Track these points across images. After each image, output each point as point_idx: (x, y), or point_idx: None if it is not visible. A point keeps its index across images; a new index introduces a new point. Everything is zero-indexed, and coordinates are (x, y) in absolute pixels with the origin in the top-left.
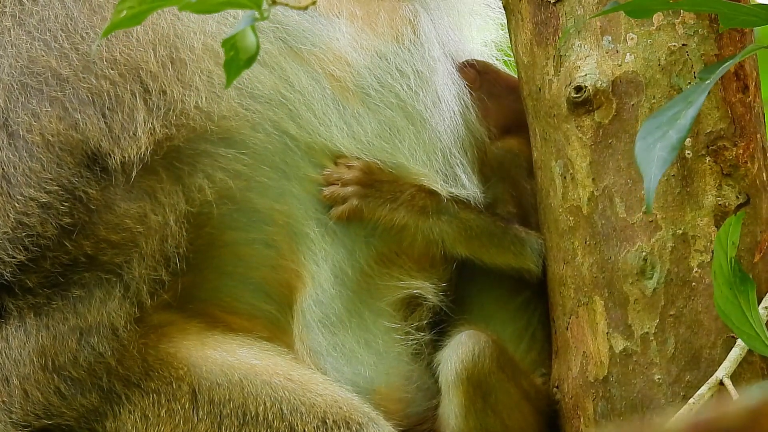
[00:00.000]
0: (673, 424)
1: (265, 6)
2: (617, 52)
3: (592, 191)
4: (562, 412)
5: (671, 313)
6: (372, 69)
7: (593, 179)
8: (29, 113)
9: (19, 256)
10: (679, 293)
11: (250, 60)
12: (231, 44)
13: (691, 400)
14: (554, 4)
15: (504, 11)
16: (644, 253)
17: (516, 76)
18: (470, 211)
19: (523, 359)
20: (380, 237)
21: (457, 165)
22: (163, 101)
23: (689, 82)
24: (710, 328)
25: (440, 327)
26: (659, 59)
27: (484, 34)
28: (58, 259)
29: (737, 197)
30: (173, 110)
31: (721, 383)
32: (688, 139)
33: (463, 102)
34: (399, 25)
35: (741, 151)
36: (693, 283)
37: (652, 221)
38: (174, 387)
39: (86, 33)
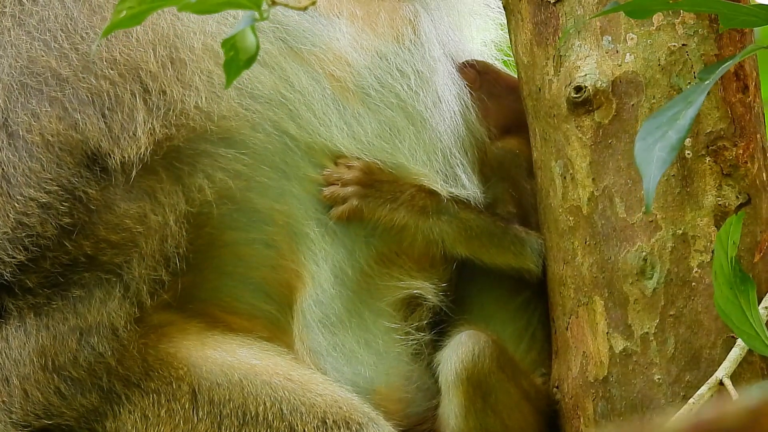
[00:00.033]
0: (673, 424)
1: (264, 6)
2: (617, 52)
3: (592, 191)
4: (562, 412)
5: (671, 313)
6: (372, 69)
7: (593, 179)
8: (29, 113)
9: (19, 256)
10: (679, 293)
11: (250, 60)
12: (231, 44)
13: (691, 400)
14: (554, 4)
15: (504, 11)
16: (644, 253)
17: (516, 76)
18: (470, 211)
19: (523, 359)
20: (380, 237)
21: (457, 165)
22: (163, 101)
23: (689, 82)
24: (710, 328)
25: (440, 327)
26: (659, 59)
27: (484, 34)
28: (58, 259)
29: (737, 197)
30: (173, 110)
31: (721, 383)
32: (688, 139)
33: (463, 102)
34: (399, 26)
35: (741, 151)
36: (693, 283)
37: (652, 221)
38: (174, 387)
39: (86, 33)
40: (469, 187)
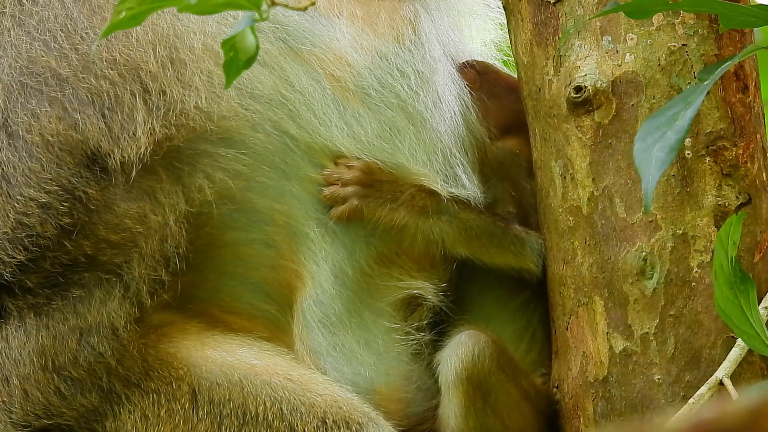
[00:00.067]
0: (673, 424)
1: (264, 7)
2: (617, 52)
3: (592, 191)
4: (562, 412)
5: (671, 313)
6: (372, 69)
7: (593, 179)
8: (29, 113)
9: (18, 257)
10: (679, 293)
11: (250, 61)
12: (230, 45)
13: (691, 400)
14: (554, 4)
15: (504, 11)
16: (644, 253)
17: (516, 76)
18: (470, 211)
19: (523, 359)
20: (380, 237)
21: (458, 165)
22: (163, 101)
23: (689, 83)
24: (710, 328)
25: (440, 327)
26: (659, 59)
27: (484, 34)
28: (57, 260)
29: (737, 197)
30: (173, 110)
31: (721, 383)
32: (687, 139)
33: (463, 102)
34: (399, 26)
35: (741, 151)
36: (693, 283)
37: (652, 221)
38: (174, 387)
39: (86, 33)
40: (469, 187)
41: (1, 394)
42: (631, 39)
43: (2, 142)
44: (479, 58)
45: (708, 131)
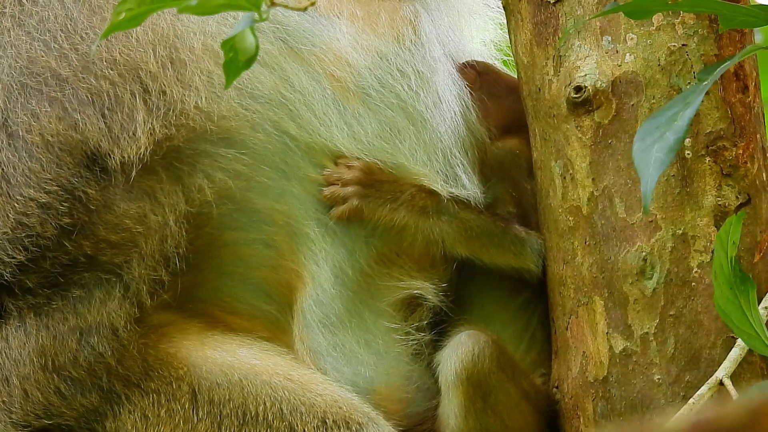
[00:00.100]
0: (673, 424)
1: (264, 7)
2: (617, 52)
3: (592, 191)
4: (562, 412)
5: (671, 313)
6: (373, 69)
7: (593, 179)
8: (29, 113)
9: (18, 257)
10: (679, 293)
11: (249, 61)
12: (230, 45)
13: (691, 400)
14: (554, 4)
15: (504, 11)
16: (644, 253)
17: (516, 77)
18: (470, 211)
19: (523, 359)
20: (380, 237)
21: (458, 165)
22: (163, 101)
23: (689, 83)
24: (710, 328)
25: (440, 327)
26: (659, 59)
27: (484, 34)
28: (57, 260)
29: (737, 197)
30: (173, 110)
31: (721, 383)
32: (687, 140)
33: (463, 102)
34: (400, 26)
35: (741, 151)
36: (693, 283)
37: (651, 221)
38: (174, 387)
39: (86, 33)
40: (469, 187)
41: (1, 394)
42: (631, 39)
43: (2, 142)
44: (479, 58)
45: (708, 131)
